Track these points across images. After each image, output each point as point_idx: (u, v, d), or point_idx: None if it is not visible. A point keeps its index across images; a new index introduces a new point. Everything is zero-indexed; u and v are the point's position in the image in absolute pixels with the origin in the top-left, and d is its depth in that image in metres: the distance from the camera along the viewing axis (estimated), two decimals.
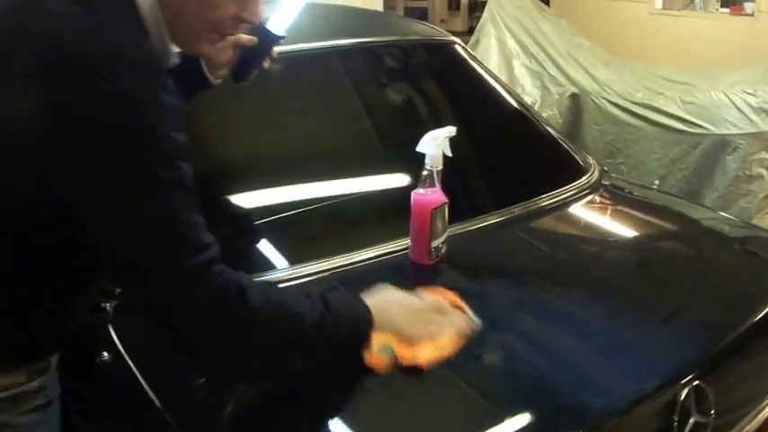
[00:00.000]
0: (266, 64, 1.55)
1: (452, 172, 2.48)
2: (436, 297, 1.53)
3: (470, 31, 10.09)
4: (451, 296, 1.55)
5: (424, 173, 1.74)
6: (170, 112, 1.16)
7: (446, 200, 1.76)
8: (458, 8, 11.01)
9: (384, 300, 1.44)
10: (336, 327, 1.34)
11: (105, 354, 1.52)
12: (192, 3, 1.25)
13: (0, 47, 1.16)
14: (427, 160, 1.73)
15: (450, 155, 1.73)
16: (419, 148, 1.73)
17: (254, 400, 1.47)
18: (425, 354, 1.39)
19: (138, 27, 1.20)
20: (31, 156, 1.14)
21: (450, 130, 1.73)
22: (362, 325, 1.38)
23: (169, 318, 1.27)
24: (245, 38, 1.48)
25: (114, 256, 1.26)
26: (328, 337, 1.33)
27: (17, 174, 1.17)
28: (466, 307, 1.54)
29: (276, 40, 1.54)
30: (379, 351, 1.37)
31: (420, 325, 1.43)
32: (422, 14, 10.50)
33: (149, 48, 1.20)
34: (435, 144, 1.72)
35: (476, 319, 1.51)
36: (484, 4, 10.55)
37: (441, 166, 1.74)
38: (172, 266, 1.18)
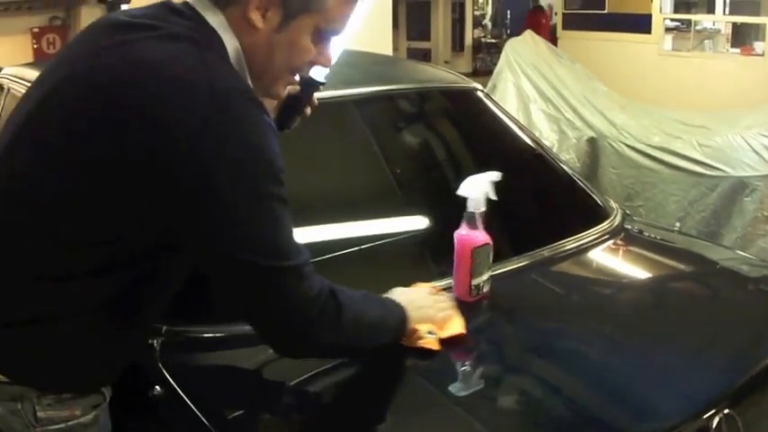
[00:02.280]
0: (308, 110, 1.65)
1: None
2: (423, 287, 1.80)
3: (475, 71, 10.18)
4: (427, 285, 1.82)
5: (466, 214, 1.82)
6: (275, 132, 1.34)
7: (489, 241, 1.84)
8: (462, 49, 11.08)
9: (404, 294, 1.69)
10: (390, 319, 1.60)
11: (158, 388, 1.58)
12: (281, 51, 1.40)
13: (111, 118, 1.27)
14: (469, 203, 1.81)
15: (494, 198, 1.81)
16: (460, 192, 1.81)
17: (308, 426, 1.55)
18: (455, 327, 1.68)
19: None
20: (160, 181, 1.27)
21: (495, 175, 1.81)
22: (403, 316, 1.62)
23: (265, 318, 1.40)
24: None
25: (213, 264, 1.37)
26: (387, 329, 1.60)
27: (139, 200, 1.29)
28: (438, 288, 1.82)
29: (317, 86, 1.62)
30: (427, 335, 1.62)
31: (436, 309, 1.70)
32: (425, 56, 10.55)
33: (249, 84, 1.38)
34: (476, 187, 1.80)
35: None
36: (488, 45, 10.74)
37: (483, 208, 1.82)
38: (279, 267, 1.33)
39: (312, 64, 1.47)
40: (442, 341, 1.64)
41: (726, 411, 1.58)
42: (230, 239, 1.29)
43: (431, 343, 1.61)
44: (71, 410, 1.41)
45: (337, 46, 1.53)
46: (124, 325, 1.44)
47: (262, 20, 1.36)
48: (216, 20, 1.36)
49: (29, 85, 2.41)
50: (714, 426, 1.56)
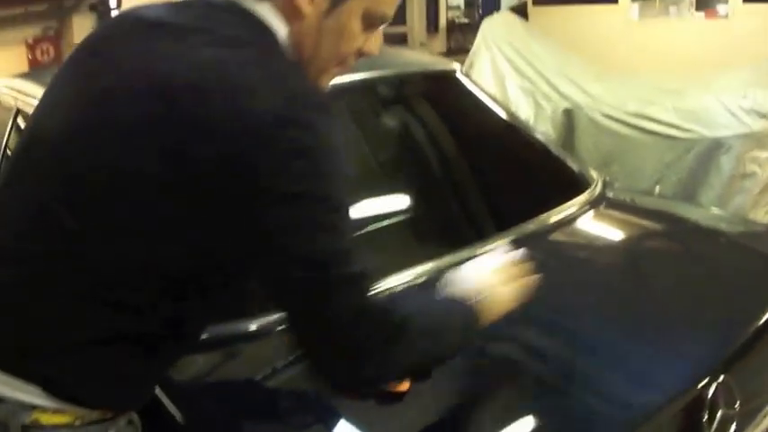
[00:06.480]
0: None
1: (463, 195, 2.61)
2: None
3: (449, 51, 10.28)
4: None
5: None
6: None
7: None
8: (437, 30, 11.18)
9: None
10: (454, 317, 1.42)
11: None
12: (329, 38, 1.31)
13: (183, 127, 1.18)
14: None
15: None
16: None
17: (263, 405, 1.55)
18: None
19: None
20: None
21: None
22: (466, 308, 1.42)
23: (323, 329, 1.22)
24: None
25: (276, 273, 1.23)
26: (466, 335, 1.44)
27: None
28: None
29: None
30: None
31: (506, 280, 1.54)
32: (402, 39, 10.56)
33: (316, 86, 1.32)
34: None
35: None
36: (461, 26, 10.80)
37: None
38: (340, 275, 1.20)
39: (360, 53, 1.36)
40: None
41: (720, 379, 1.60)
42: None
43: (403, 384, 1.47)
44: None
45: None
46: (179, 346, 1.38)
47: (309, 4, 1.27)
48: (262, 9, 1.27)
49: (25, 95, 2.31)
50: (710, 395, 1.57)
